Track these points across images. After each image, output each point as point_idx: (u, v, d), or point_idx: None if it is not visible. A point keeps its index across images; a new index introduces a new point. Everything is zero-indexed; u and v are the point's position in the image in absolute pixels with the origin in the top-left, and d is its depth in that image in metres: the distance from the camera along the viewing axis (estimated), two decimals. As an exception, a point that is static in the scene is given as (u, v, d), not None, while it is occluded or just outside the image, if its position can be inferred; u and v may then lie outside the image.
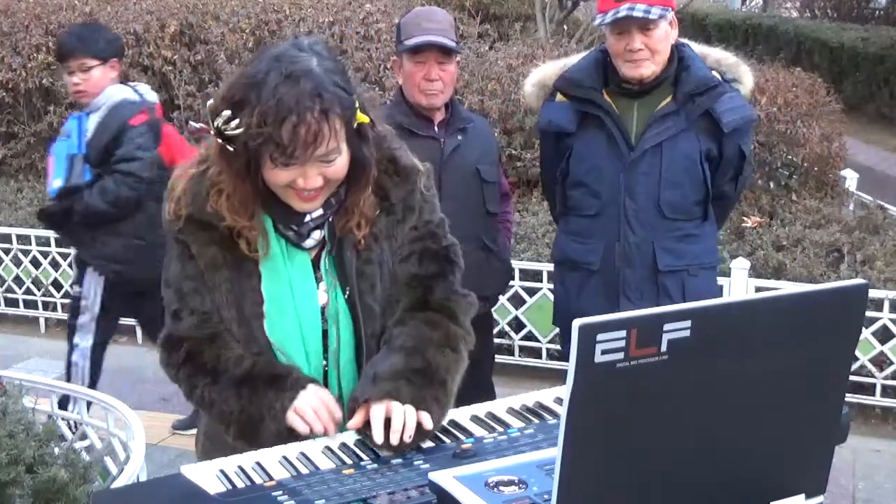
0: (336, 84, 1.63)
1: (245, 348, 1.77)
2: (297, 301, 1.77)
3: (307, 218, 1.74)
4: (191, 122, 1.73)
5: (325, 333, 1.80)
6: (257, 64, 1.64)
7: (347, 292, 1.80)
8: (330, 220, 1.78)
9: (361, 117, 1.70)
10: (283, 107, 1.57)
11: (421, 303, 1.83)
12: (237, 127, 1.60)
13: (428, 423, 1.64)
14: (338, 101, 1.62)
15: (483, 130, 3.27)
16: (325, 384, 1.81)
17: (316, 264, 1.80)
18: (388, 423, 1.61)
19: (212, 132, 1.65)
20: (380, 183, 1.79)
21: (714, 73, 2.82)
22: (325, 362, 1.81)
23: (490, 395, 3.34)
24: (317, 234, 1.78)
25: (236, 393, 1.73)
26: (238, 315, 1.76)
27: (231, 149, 1.63)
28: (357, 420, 1.65)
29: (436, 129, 3.08)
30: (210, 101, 1.68)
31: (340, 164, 1.68)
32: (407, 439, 1.60)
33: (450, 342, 1.79)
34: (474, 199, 3.12)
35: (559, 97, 2.90)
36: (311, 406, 1.68)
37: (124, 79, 7.54)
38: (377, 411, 1.63)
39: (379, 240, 1.81)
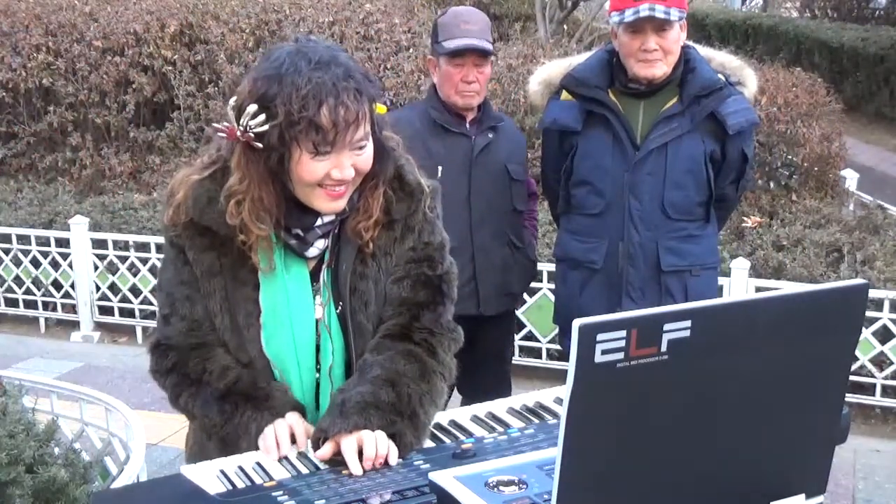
0: (359, 69, 1.64)
1: (236, 357, 1.76)
2: (293, 313, 1.74)
3: (318, 222, 1.71)
4: (213, 125, 1.70)
5: (317, 348, 1.77)
6: (276, 59, 1.60)
7: (339, 307, 1.77)
8: (336, 231, 1.76)
9: (380, 108, 1.69)
10: (322, 89, 1.55)
11: (404, 330, 1.77)
12: (266, 122, 1.57)
13: (393, 459, 1.57)
14: (367, 81, 1.63)
15: (512, 130, 3.32)
16: (317, 398, 1.80)
17: (314, 277, 1.77)
18: (359, 452, 1.57)
19: (237, 133, 1.61)
20: (385, 198, 1.76)
21: (719, 75, 2.82)
22: (317, 375, 1.79)
23: (507, 391, 3.37)
24: (320, 244, 1.74)
25: (219, 409, 1.72)
26: (231, 323, 1.74)
27: (259, 146, 1.60)
28: (326, 452, 1.58)
29: (467, 126, 3.12)
30: (231, 101, 1.64)
31: (369, 153, 1.67)
32: (378, 465, 1.56)
33: (425, 376, 1.72)
34: (502, 197, 3.17)
35: (564, 95, 2.90)
36: (277, 434, 1.65)
37: (125, 79, 7.57)
38: (349, 445, 1.57)
39: (376, 256, 1.78)
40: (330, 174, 1.62)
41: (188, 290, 1.75)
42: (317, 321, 1.76)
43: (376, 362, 1.71)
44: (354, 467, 1.53)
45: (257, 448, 1.65)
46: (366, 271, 1.77)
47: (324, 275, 1.76)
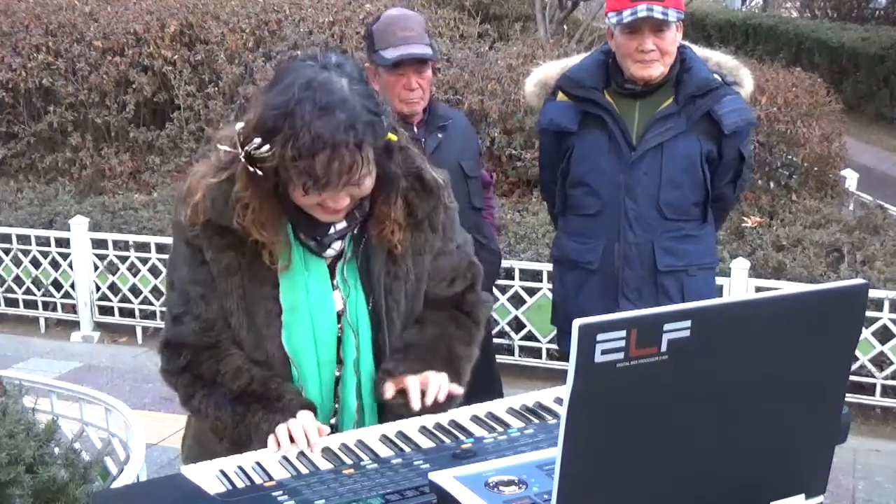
0: (368, 110, 1.63)
1: (251, 356, 1.78)
2: (314, 309, 1.77)
3: (331, 230, 1.76)
4: (220, 146, 1.73)
5: (338, 342, 1.81)
6: (287, 90, 1.61)
7: (371, 304, 1.82)
8: (354, 231, 1.80)
9: (390, 136, 1.71)
10: (319, 142, 1.57)
11: (453, 303, 1.95)
12: (267, 153, 1.61)
13: (457, 391, 1.79)
14: (371, 129, 1.62)
15: (462, 126, 3.26)
16: (336, 394, 1.83)
17: (331, 270, 1.81)
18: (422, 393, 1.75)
19: (241, 157, 1.65)
20: (407, 200, 1.81)
21: (715, 75, 2.82)
22: (336, 370, 1.82)
23: (498, 388, 3.37)
24: (337, 245, 1.79)
25: (231, 411, 1.75)
26: (248, 322, 1.76)
27: (259, 172, 1.64)
28: (391, 390, 1.77)
29: (415, 129, 3.04)
30: (239, 126, 1.68)
31: (368, 184, 1.70)
32: (441, 399, 1.74)
33: (472, 340, 1.95)
34: (460, 197, 3.09)
35: (560, 96, 2.91)
36: (290, 429, 1.68)
37: (125, 79, 7.57)
38: (413, 382, 1.75)
39: (406, 256, 1.83)
40: (325, 202, 1.67)
41: (203, 289, 1.76)
42: (338, 315, 1.80)
43: (433, 320, 1.89)
44: (416, 402, 1.72)
45: (266, 447, 1.66)
46: (398, 272, 1.83)
47: (342, 269, 1.80)
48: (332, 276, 1.80)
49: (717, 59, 2.97)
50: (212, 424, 1.78)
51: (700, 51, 2.96)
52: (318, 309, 1.77)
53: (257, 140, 1.61)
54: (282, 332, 1.75)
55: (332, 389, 1.82)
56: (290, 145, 1.57)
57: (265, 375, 1.76)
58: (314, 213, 1.71)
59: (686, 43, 2.87)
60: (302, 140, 1.56)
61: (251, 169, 1.64)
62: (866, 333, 4.56)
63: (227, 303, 1.76)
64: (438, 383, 1.75)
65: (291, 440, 1.66)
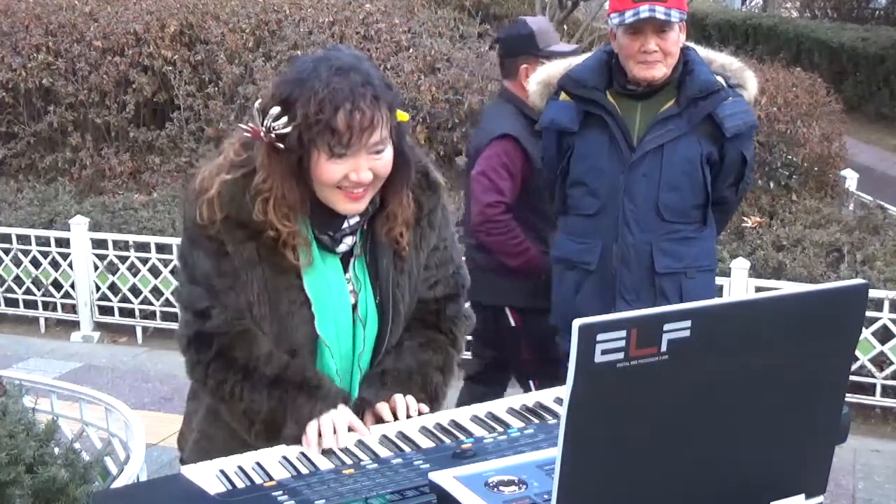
0: (380, 77, 1.71)
1: (276, 346, 1.79)
2: (335, 301, 1.81)
3: (344, 224, 1.79)
4: (240, 126, 1.77)
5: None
6: (301, 65, 1.70)
7: (378, 298, 1.85)
8: (364, 226, 1.83)
9: (401, 115, 1.75)
10: (339, 95, 1.62)
11: (433, 320, 1.96)
12: (287, 124, 1.65)
13: (425, 409, 1.81)
14: (386, 88, 1.69)
15: None
16: (350, 384, 1.87)
17: (343, 265, 1.84)
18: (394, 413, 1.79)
19: (261, 133, 1.68)
20: (414, 195, 1.85)
21: (718, 77, 2.81)
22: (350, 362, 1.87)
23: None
24: (349, 241, 1.82)
25: (268, 395, 1.76)
26: (271, 313, 1.77)
27: (281, 146, 1.67)
28: (370, 421, 1.78)
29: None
30: (257, 103, 1.72)
31: (388, 158, 1.73)
32: (413, 414, 1.77)
33: (446, 366, 1.95)
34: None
35: (563, 96, 2.90)
36: (324, 429, 1.71)
37: (125, 79, 7.57)
38: (384, 409, 1.78)
39: (408, 251, 1.87)
40: (348, 177, 1.69)
41: (229, 281, 1.77)
42: (352, 309, 1.84)
43: (411, 346, 1.90)
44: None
45: (299, 434, 1.71)
46: (404, 266, 1.87)
47: (354, 265, 1.84)
48: (346, 270, 1.84)
49: (722, 61, 2.97)
50: (244, 408, 1.78)
51: (705, 52, 2.95)
52: (339, 302, 1.81)
53: (276, 110, 1.66)
54: (314, 321, 1.78)
55: (348, 382, 1.86)
56: (310, 103, 1.62)
57: (298, 363, 1.79)
58: (336, 200, 1.72)
59: (690, 44, 2.87)
60: (322, 94, 1.62)
61: (273, 145, 1.67)
62: (866, 333, 4.57)
63: (249, 294, 1.77)
64: (405, 404, 1.79)
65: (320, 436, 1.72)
